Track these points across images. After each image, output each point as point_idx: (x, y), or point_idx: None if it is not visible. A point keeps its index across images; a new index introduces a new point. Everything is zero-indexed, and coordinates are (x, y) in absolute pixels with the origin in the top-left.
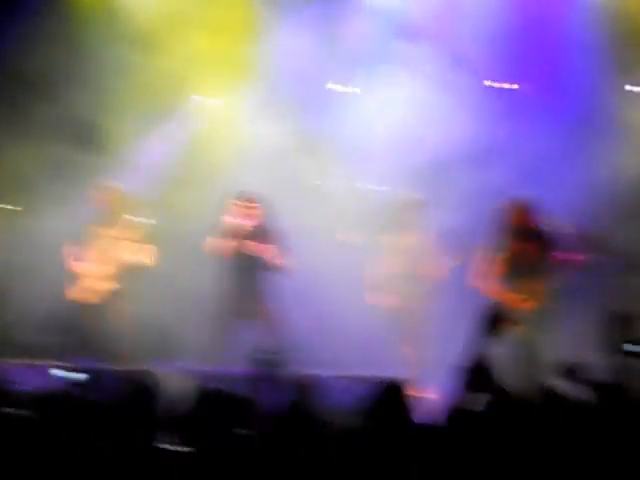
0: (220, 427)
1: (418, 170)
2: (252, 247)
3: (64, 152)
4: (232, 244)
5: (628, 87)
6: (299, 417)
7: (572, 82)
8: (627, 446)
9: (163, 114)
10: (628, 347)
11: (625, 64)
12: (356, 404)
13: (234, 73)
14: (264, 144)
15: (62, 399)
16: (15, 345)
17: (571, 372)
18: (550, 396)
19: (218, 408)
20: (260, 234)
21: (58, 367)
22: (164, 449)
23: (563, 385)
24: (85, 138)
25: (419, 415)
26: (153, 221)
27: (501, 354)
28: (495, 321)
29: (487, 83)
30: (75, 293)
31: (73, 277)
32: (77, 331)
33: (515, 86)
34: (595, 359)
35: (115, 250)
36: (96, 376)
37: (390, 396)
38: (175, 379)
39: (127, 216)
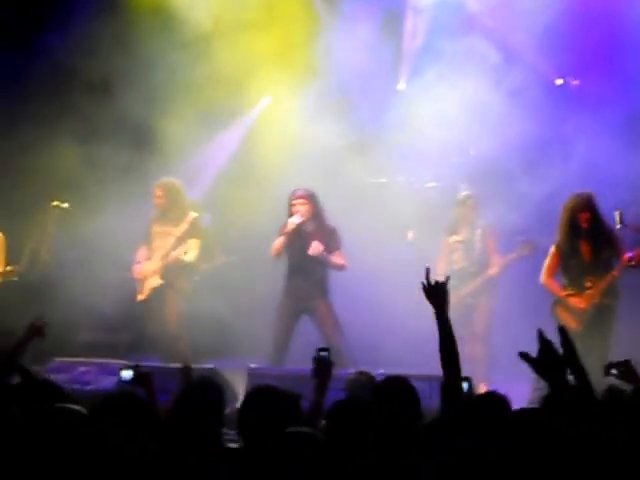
0: (272, 425)
1: (476, 167)
2: (307, 244)
3: (120, 154)
4: (288, 242)
5: None
6: (355, 415)
7: (631, 77)
8: None
9: (220, 115)
10: None
11: None
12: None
13: (291, 72)
14: (321, 143)
15: (125, 398)
16: (76, 344)
17: (627, 369)
18: (609, 393)
19: (272, 406)
20: (313, 231)
21: (120, 366)
22: (227, 447)
23: (618, 382)
24: (141, 140)
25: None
26: (210, 219)
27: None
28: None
29: (546, 79)
30: (137, 292)
31: (135, 276)
32: (136, 329)
33: (575, 82)
34: None
35: (173, 247)
36: (159, 374)
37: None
38: (237, 377)
39: (186, 212)
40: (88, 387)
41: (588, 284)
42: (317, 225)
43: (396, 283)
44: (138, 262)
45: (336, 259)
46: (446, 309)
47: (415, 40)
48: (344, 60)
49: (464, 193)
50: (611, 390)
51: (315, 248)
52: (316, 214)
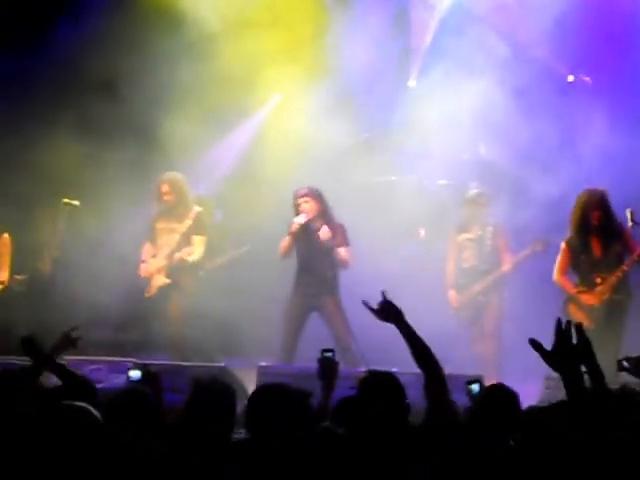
0: (279, 422)
1: (487, 165)
2: (315, 242)
3: (126, 153)
4: (295, 241)
5: None
6: (361, 412)
7: None
8: None
9: (228, 114)
10: None
11: None
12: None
13: (299, 70)
14: (330, 141)
15: (133, 397)
16: (84, 342)
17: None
18: (622, 392)
19: (278, 403)
20: (320, 228)
21: (129, 364)
22: (237, 443)
23: (630, 378)
24: (147, 139)
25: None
26: (221, 216)
27: None
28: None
29: (557, 76)
30: (146, 290)
31: (142, 275)
32: (144, 328)
33: (586, 78)
34: None
35: (178, 244)
36: (170, 373)
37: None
38: (247, 375)
39: (190, 208)
40: (98, 385)
41: (598, 280)
42: (324, 222)
43: (407, 282)
44: (144, 260)
45: (342, 254)
46: (404, 319)
47: (424, 37)
48: (353, 57)
49: (475, 191)
50: (624, 389)
51: (325, 233)
52: (322, 211)
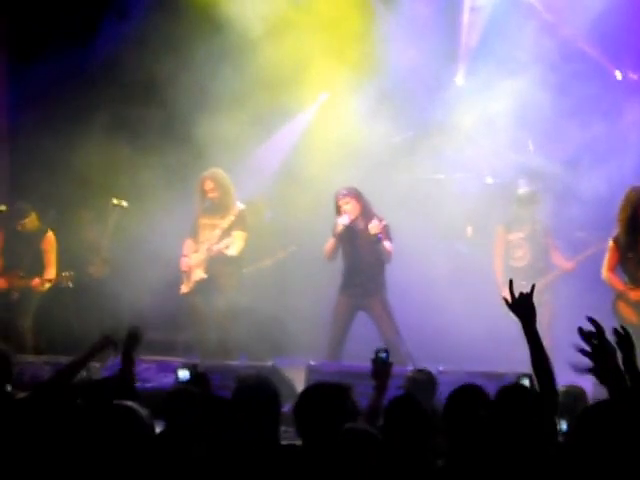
0: (326, 420)
1: (535, 163)
2: (360, 242)
3: (171, 155)
4: (340, 243)
5: None
6: (413, 412)
7: None
8: None
9: (273, 115)
10: None
11: None
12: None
13: (346, 68)
14: (378, 139)
15: (186, 396)
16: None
17: None
18: None
19: (323, 402)
20: (364, 227)
21: (178, 364)
22: (285, 444)
23: None
24: (192, 142)
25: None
26: (271, 217)
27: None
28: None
29: (605, 73)
30: (186, 287)
31: (184, 272)
32: (187, 328)
33: (634, 76)
34: None
35: (219, 240)
36: (218, 372)
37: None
38: (296, 374)
39: (233, 204)
40: (149, 385)
41: None
42: (367, 221)
43: (455, 281)
44: (185, 255)
45: (388, 247)
46: (533, 321)
47: (472, 35)
48: (399, 55)
49: (526, 189)
50: None
51: (375, 226)
52: (364, 210)
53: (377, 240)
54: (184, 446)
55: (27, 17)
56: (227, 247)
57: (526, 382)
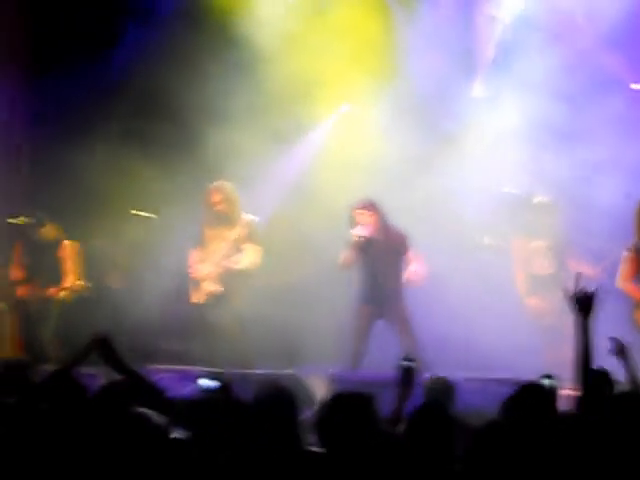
0: (349, 430)
1: (552, 173)
2: (378, 253)
3: (186, 168)
4: (358, 254)
5: None
6: (434, 419)
7: None
8: None
9: (292, 127)
10: None
11: None
12: (495, 405)
13: (364, 80)
14: (397, 148)
15: (208, 405)
16: (153, 351)
17: None
18: None
19: (351, 411)
20: (382, 239)
21: (198, 374)
22: (307, 451)
23: None
24: (207, 154)
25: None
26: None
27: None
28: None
29: (623, 84)
30: (196, 297)
31: (194, 282)
32: (202, 336)
33: None
34: None
35: (228, 251)
36: (239, 381)
37: (531, 396)
38: (318, 383)
39: (240, 215)
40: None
41: None
42: (385, 233)
43: (475, 290)
44: (191, 266)
45: (412, 270)
46: (590, 322)
47: (490, 47)
48: (419, 66)
49: (544, 198)
50: None
51: (417, 273)
52: (382, 223)
53: (397, 259)
54: (207, 454)
55: (44, 31)
56: (237, 262)
57: (546, 382)
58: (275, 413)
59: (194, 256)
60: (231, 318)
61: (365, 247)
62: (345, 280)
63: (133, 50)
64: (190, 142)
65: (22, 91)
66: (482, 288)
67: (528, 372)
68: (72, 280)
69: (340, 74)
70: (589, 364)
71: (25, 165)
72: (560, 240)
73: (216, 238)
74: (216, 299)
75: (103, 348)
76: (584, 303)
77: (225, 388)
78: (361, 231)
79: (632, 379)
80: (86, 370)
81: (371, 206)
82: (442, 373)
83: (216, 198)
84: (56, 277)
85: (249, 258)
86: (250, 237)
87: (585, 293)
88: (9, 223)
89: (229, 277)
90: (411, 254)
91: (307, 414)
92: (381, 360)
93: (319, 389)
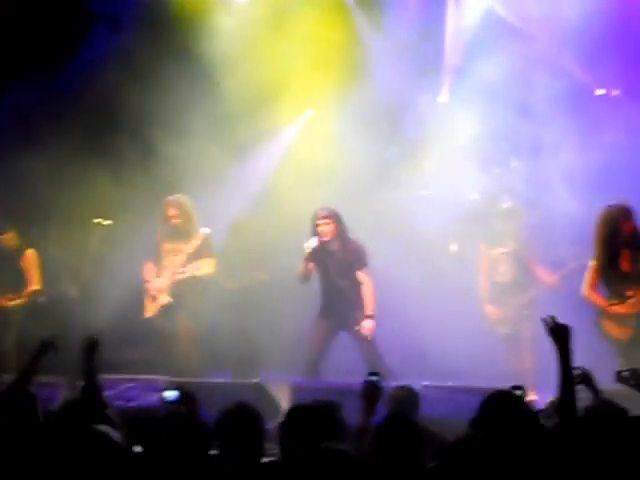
0: (312, 439)
1: (518, 178)
2: (333, 263)
3: (147, 179)
4: (313, 265)
5: None
6: (400, 430)
7: None
8: None
9: (256, 133)
10: None
11: None
12: (460, 413)
13: (328, 87)
14: (360, 156)
15: (178, 420)
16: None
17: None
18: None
19: (312, 421)
20: (337, 250)
21: (162, 384)
22: (269, 463)
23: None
24: (166, 168)
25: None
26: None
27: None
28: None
29: (586, 89)
30: (150, 310)
31: (149, 296)
32: (159, 346)
33: (615, 92)
34: None
35: (184, 264)
36: (202, 390)
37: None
38: (280, 391)
39: (196, 229)
40: (131, 404)
41: (630, 293)
42: (341, 243)
43: (440, 296)
44: (147, 280)
45: (362, 277)
46: (569, 354)
47: (456, 54)
48: (384, 72)
49: (509, 204)
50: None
51: (367, 329)
52: (339, 233)
53: (351, 269)
54: (166, 469)
55: (6, 37)
56: (198, 269)
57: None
58: (240, 430)
59: (149, 269)
60: (187, 328)
61: (319, 258)
62: (308, 289)
63: (91, 60)
64: (148, 154)
65: None
66: (443, 296)
67: (488, 380)
68: (33, 288)
69: (303, 80)
70: (573, 390)
71: None
72: (523, 246)
73: (171, 252)
74: (170, 311)
75: (90, 349)
76: (560, 333)
77: (189, 399)
78: (311, 243)
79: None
80: (47, 379)
81: (331, 216)
82: (405, 382)
83: (172, 212)
84: (16, 286)
85: (204, 270)
86: (205, 250)
87: (561, 328)
88: None
89: (183, 288)
90: (364, 275)
91: (271, 424)
92: (344, 368)
93: (282, 398)
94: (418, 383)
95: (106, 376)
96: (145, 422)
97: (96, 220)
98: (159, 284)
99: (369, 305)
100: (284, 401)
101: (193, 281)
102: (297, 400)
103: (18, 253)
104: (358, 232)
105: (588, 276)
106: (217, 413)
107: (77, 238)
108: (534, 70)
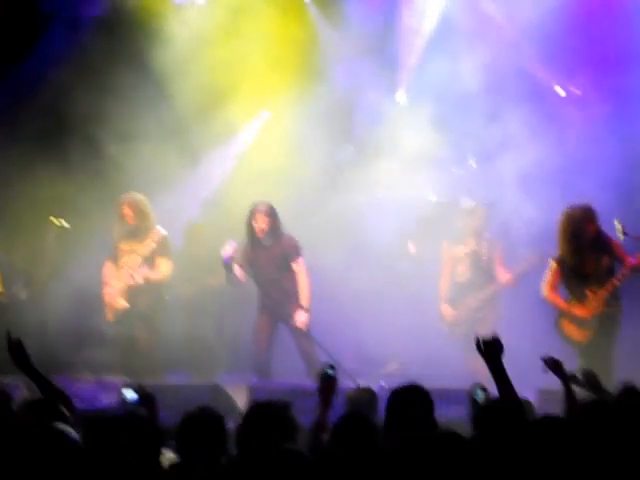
0: (269, 441)
1: (477, 179)
2: (266, 258)
3: (100, 183)
4: (245, 266)
5: None
6: (355, 429)
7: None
8: None
9: (210, 136)
10: None
11: None
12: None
13: (283, 86)
14: (317, 157)
15: (138, 421)
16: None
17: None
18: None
19: (269, 421)
20: (271, 244)
21: (119, 384)
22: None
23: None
24: (120, 169)
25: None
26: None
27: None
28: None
29: (549, 89)
30: (108, 310)
31: (105, 299)
32: (114, 347)
33: (577, 92)
34: None
35: (139, 266)
36: (160, 392)
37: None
38: (238, 392)
39: (152, 229)
40: (89, 404)
41: (590, 294)
42: (274, 238)
43: (399, 298)
44: (106, 282)
45: (296, 268)
46: (501, 364)
47: (413, 53)
48: (341, 71)
49: (471, 203)
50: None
51: (301, 322)
52: (274, 228)
53: (284, 263)
54: (125, 471)
55: None
56: (146, 276)
57: (480, 394)
58: (204, 433)
59: (108, 269)
60: (144, 330)
61: (253, 254)
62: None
63: (45, 61)
64: (99, 156)
65: None
66: (400, 298)
67: (446, 381)
68: None
69: (258, 81)
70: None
71: None
72: (483, 247)
73: (127, 252)
74: (126, 316)
75: (16, 352)
76: (490, 349)
77: (149, 401)
78: (225, 252)
79: (569, 392)
80: (7, 380)
81: (268, 212)
82: (360, 382)
83: (126, 211)
84: None
85: (161, 271)
86: (161, 251)
87: (489, 343)
88: None
89: (139, 290)
90: (299, 264)
91: (230, 425)
92: (301, 368)
93: (240, 399)
94: (375, 384)
95: (63, 376)
96: (104, 422)
97: (52, 218)
98: (114, 288)
99: (303, 296)
100: (241, 402)
101: (148, 285)
102: (254, 401)
103: None
104: (313, 234)
105: (548, 276)
106: (177, 415)
107: (28, 240)
108: (494, 70)
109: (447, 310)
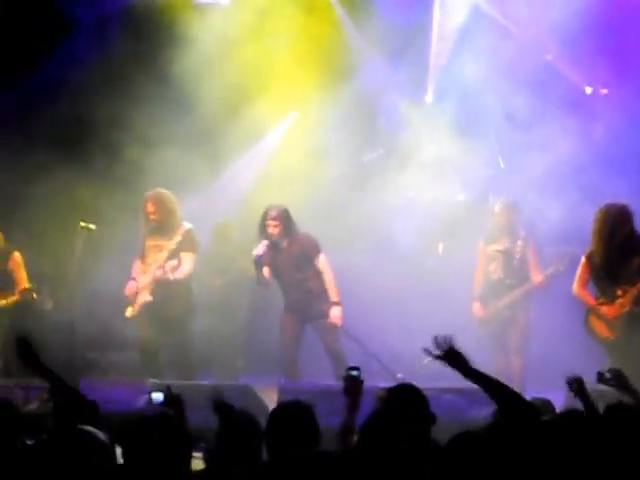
0: (293, 443)
1: (506, 179)
2: (286, 259)
3: (124, 187)
4: (268, 269)
5: None
6: (382, 429)
7: None
8: None
9: (237, 139)
10: None
11: None
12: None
13: (313, 88)
14: (347, 158)
15: (162, 421)
16: (89, 363)
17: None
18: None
19: (292, 424)
20: (287, 245)
21: (149, 386)
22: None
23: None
24: (147, 173)
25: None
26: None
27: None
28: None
29: (576, 88)
30: (131, 311)
31: (129, 296)
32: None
33: (604, 91)
34: None
35: (166, 261)
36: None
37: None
38: (268, 394)
39: (179, 224)
40: (117, 406)
41: (619, 293)
42: (289, 240)
43: (426, 296)
44: (133, 278)
45: (320, 265)
46: (468, 365)
47: (442, 54)
48: (368, 74)
49: (504, 201)
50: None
51: (335, 317)
52: (287, 230)
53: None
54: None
55: None
56: (173, 269)
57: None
58: (242, 439)
59: (137, 267)
60: (170, 328)
61: (272, 258)
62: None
63: (67, 66)
64: (123, 162)
65: None
66: (428, 296)
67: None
68: (25, 287)
69: (285, 82)
70: (506, 392)
71: None
72: (517, 245)
73: (154, 248)
74: (152, 308)
75: (24, 350)
76: (453, 360)
77: (176, 402)
78: (259, 250)
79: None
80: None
81: (280, 217)
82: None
83: (150, 208)
84: (3, 288)
85: (186, 267)
86: (186, 245)
87: (449, 352)
88: None
89: (165, 286)
90: (321, 261)
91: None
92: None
93: (270, 400)
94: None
95: (86, 379)
96: (132, 424)
97: (82, 223)
98: (141, 282)
99: (332, 292)
100: (270, 403)
101: (174, 285)
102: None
103: (5, 256)
104: (342, 234)
105: (579, 272)
106: (207, 416)
107: (53, 246)
108: (521, 69)
109: (478, 308)
